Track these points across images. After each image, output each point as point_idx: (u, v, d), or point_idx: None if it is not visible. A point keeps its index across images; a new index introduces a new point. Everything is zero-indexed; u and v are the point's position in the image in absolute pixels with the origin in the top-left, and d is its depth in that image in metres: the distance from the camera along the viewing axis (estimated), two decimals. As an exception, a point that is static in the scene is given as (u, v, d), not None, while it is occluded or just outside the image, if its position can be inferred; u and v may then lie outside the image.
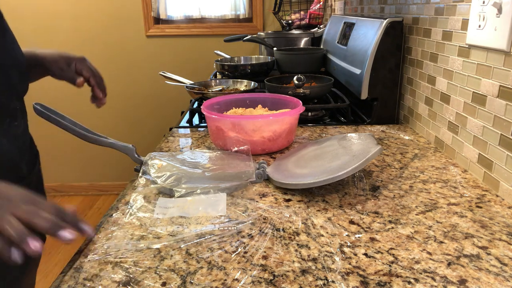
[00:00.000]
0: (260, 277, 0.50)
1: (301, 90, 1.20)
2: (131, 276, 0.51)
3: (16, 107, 0.71)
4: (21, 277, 0.73)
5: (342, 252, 0.55)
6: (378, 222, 0.62)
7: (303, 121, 1.17)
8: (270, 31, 2.11)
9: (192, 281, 0.49)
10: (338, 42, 1.48)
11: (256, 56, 1.91)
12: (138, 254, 0.55)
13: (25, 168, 0.70)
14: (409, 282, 0.48)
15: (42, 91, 2.08)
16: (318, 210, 0.66)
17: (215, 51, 2.00)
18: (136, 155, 0.81)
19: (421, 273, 0.50)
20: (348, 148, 0.76)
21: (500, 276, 0.49)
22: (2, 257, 0.43)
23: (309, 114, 1.22)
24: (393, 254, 0.54)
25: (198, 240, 0.58)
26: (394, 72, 1.11)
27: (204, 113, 0.93)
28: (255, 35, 1.91)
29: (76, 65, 0.85)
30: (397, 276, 0.49)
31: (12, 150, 0.67)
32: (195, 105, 1.30)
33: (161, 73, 1.51)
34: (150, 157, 0.81)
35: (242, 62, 1.86)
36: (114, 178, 2.92)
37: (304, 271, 0.51)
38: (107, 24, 2.61)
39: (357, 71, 1.16)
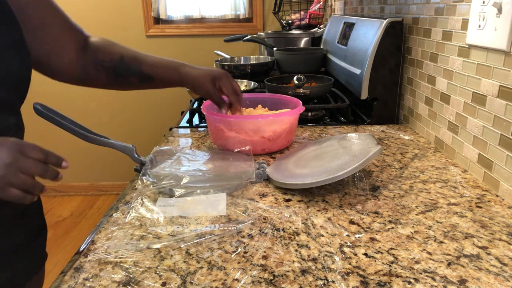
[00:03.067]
0: (260, 277, 0.50)
1: (301, 90, 1.20)
2: (131, 276, 0.51)
3: (10, 123, 0.63)
4: (33, 273, 0.73)
5: (342, 252, 0.55)
6: (378, 222, 0.62)
7: (303, 121, 1.17)
8: (270, 31, 2.11)
9: (192, 281, 0.49)
10: (338, 42, 1.48)
11: (256, 56, 1.91)
12: (138, 254, 0.55)
13: None
14: (409, 282, 0.48)
15: (42, 91, 2.08)
16: (318, 210, 0.66)
17: (215, 51, 2.00)
18: (136, 155, 0.81)
19: (421, 273, 0.50)
20: (348, 148, 0.76)
21: (500, 276, 0.49)
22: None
23: (309, 114, 1.21)
24: (393, 254, 0.54)
25: (198, 240, 0.58)
26: (394, 72, 1.11)
27: (204, 113, 0.93)
28: (255, 35, 1.91)
29: (220, 84, 0.86)
30: (397, 276, 0.49)
31: None
32: (195, 105, 1.30)
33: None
34: (153, 154, 0.81)
35: (242, 62, 1.86)
36: (114, 178, 2.92)
37: (304, 271, 0.51)
38: (107, 24, 2.61)
39: (357, 71, 1.16)
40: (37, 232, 0.74)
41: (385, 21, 1.06)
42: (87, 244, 0.58)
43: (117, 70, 0.81)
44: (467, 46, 0.79)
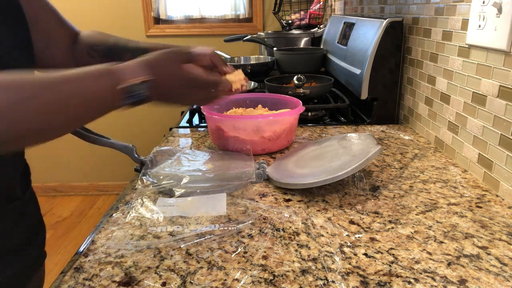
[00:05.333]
0: (260, 277, 0.50)
1: (301, 90, 1.20)
2: (131, 276, 0.51)
3: None
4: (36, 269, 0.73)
5: (342, 252, 0.55)
6: (378, 222, 0.62)
7: (303, 121, 1.17)
8: (270, 31, 2.11)
9: (192, 281, 0.49)
10: (338, 42, 1.48)
11: (256, 56, 1.91)
12: (138, 254, 0.55)
13: (19, 190, 0.69)
14: (409, 282, 0.48)
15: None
16: (318, 210, 0.66)
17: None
18: (136, 155, 0.81)
19: (421, 273, 0.50)
20: (348, 148, 0.76)
21: (500, 276, 0.49)
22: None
23: (309, 114, 1.21)
24: (393, 254, 0.54)
25: (198, 240, 0.58)
26: (394, 72, 1.11)
27: (204, 113, 0.93)
28: (255, 35, 1.91)
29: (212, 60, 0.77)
30: (397, 276, 0.49)
31: (6, 176, 0.65)
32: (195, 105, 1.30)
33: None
34: (153, 154, 0.81)
35: (242, 62, 1.85)
36: (114, 178, 2.92)
37: (304, 271, 0.51)
38: (107, 24, 2.61)
39: (357, 71, 1.16)
40: (36, 231, 0.74)
41: (385, 21, 1.06)
42: (87, 244, 0.58)
43: (111, 51, 0.77)
44: (467, 46, 0.79)
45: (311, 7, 2.20)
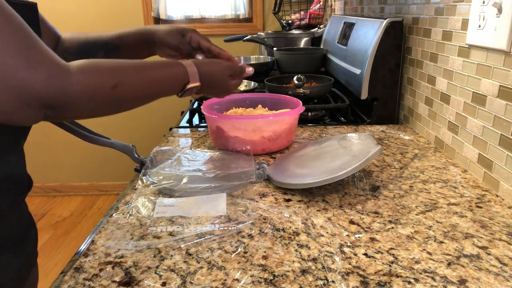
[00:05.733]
0: (260, 277, 0.50)
1: (301, 90, 1.20)
2: (131, 276, 0.51)
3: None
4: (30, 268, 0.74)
5: (342, 252, 0.55)
6: (378, 222, 0.62)
7: (303, 121, 1.17)
8: (270, 31, 2.11)
9: (192, 281, 0.49)
10: (338, 42, 1.48)
11: (256, 56, 1.91)
12: (138, 254, 0.55)
13: (27, 182, 0.70)
14: (409, 282, 0.48)
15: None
16: (318, 210, 0.66)
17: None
18: (136, 155, 0.81)
19: (421, 273, 0.50)
20: (348, 148, 0.76)
21: (500, 276, 0.49)
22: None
23: (309, 114, 1.21)
24: (393, 254, 0.54)
25: (198, 240, 0.58)
26: (394, 72, 1.11)
27: (204, 113, 0.93)
28: (255, 35, 1.91)
29: (192, 36, 0.81)
30: (397, 276, 0.49)
31: (20, 165, 0.67)
32: (195, 105, 1.30)
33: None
34: (153, 154, 0.81)
35: (242, 62, 1.85)
36: (114, 178, 2.92)
37: (304, 271, 0.51)
38: (107, 24, 2.61)
39: (357, 71, 1.16)
40: (29, 226, 0.74)
41: (385, 21, 1.06)
42: (87, 244, 0.58)
43: (83, 51, 0.79)
44: (467, 46, 0.79)
45: (311, 7, 2.20)
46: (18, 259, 0.68)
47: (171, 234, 0.60)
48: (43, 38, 0.75)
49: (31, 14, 0.64)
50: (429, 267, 0.51)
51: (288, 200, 0.70)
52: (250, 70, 0.78)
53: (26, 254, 0.71)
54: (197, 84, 0.66)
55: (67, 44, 0.81)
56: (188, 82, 0.65)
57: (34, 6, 0.64)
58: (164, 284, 0.49)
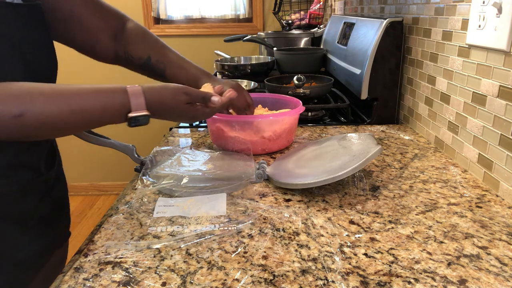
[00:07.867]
0: (260, 277, 0.50)
1: (301, 90, 1.20)
2: (131, 276, 0.51)
3: None
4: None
5: (342, 252, 0.55)
6: (378, 222, 0.62)
7: (303, 121, 1.17)
8: (270, 31, 2.11)
9: (192, 281, 0.49)
10: (338, 42, 1.48)
11: (256, 56, 1.91)
12: (138, 254, 0.55)
13: (43, 167, 0.72)
14: (409, 282, 0.48)
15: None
16: (318, 210, 0.66)
17: (215, 51, 2.00)
18: (136, 155, 0.81)
19: (421, 273, 0.50)
20: (348, 148, 0.76)
21: (500, 276, 0.49)
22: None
23: (309, 114, 1.21)
24: (393, 254, 0.54)
25: (198, 240, 0.58)
26: (394, 72, 1.11)
27: (204, 113, 0.93)
28: (255, 35, 1.91)
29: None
30: (397, 276, 0.49)
31: (30, 151, 0.68)
32: (195, 105, 1.30)
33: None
34: (153, 154, 0.81)
35: (242, 62, 1.85)
36: (114, 178, 2.92)
37: (304, 271, 0.51)
38: (107, 24, 2.61)
39: (357, 71, 1.16)
40: (61, 207, 0.80)
41: (385, 21, 1.06)
42: (87, 244, 0.58)
43: (143, 68, 0.86)
44: (467, 46, 0.79)
45: (311, 7, 2.20)
46: (48, 235, 0.74)
47: (171, 234, 0.60)
48: (95, 26, 0.79)
49: (36, 15, 0.64)
50: (429, 267, 0.51)
51: (288, 200, 0.70)
52: (217, 100, 0.69)
53: (54, 233, 0.77)
54: (144, 113, 0.60)
55: (130, 50, 0.84)
56: (129, 111, 0.60)
57: (38, 6, 0.64)
58: (164, 284, 0.49)
